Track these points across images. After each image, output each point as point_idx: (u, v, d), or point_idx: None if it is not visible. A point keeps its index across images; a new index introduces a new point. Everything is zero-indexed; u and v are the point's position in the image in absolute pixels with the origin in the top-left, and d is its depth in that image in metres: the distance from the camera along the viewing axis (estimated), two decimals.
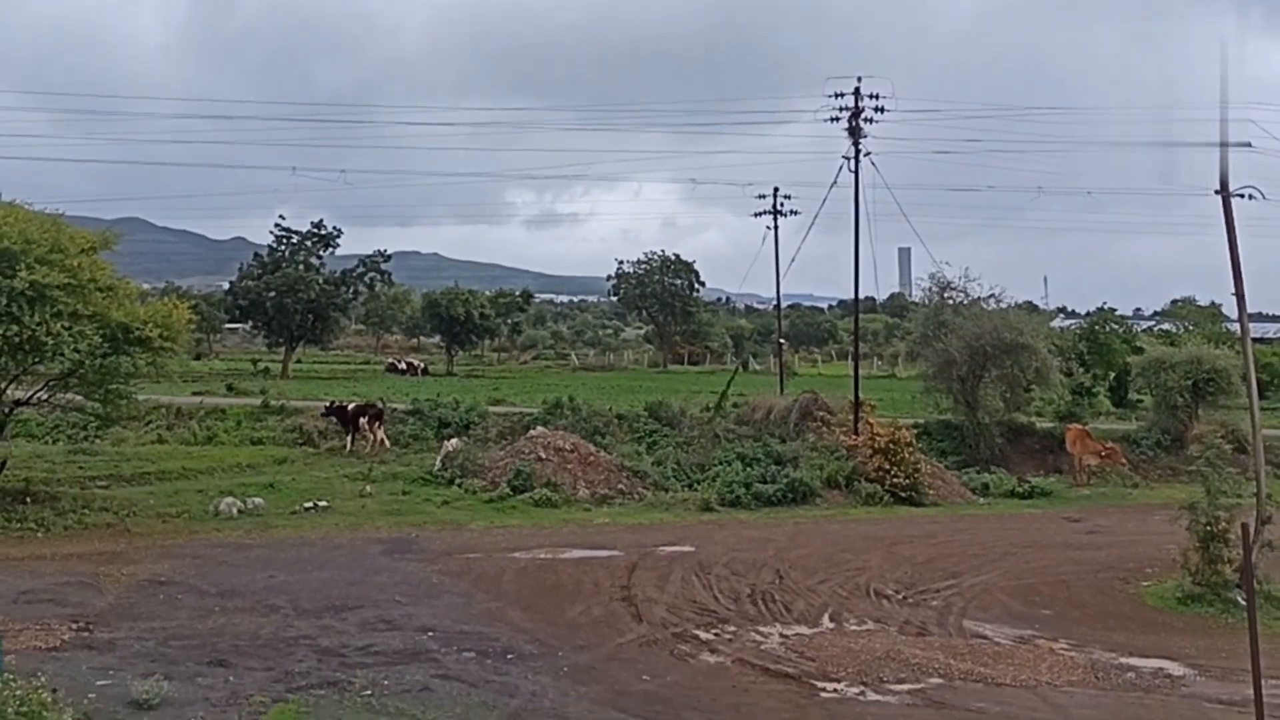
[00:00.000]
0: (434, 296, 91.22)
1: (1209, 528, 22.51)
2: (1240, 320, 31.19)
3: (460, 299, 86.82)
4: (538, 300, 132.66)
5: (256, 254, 74.19)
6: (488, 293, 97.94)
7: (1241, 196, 33.10)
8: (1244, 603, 20.50)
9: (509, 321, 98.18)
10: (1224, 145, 33.42)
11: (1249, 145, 32.21)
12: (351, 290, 77.62)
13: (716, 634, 19.47)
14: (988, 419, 41.22)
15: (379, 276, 78.67)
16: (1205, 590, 22.39)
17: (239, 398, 46.34)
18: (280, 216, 73.19)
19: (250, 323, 78.26)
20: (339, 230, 74.00)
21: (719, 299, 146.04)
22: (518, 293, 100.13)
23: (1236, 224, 30.24)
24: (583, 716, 15.17)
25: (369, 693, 15.71)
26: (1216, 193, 34.43)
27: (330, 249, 75.01)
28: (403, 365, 77.90)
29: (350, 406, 39.52)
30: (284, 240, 72.76)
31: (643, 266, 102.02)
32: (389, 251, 79.85)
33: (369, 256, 78.18)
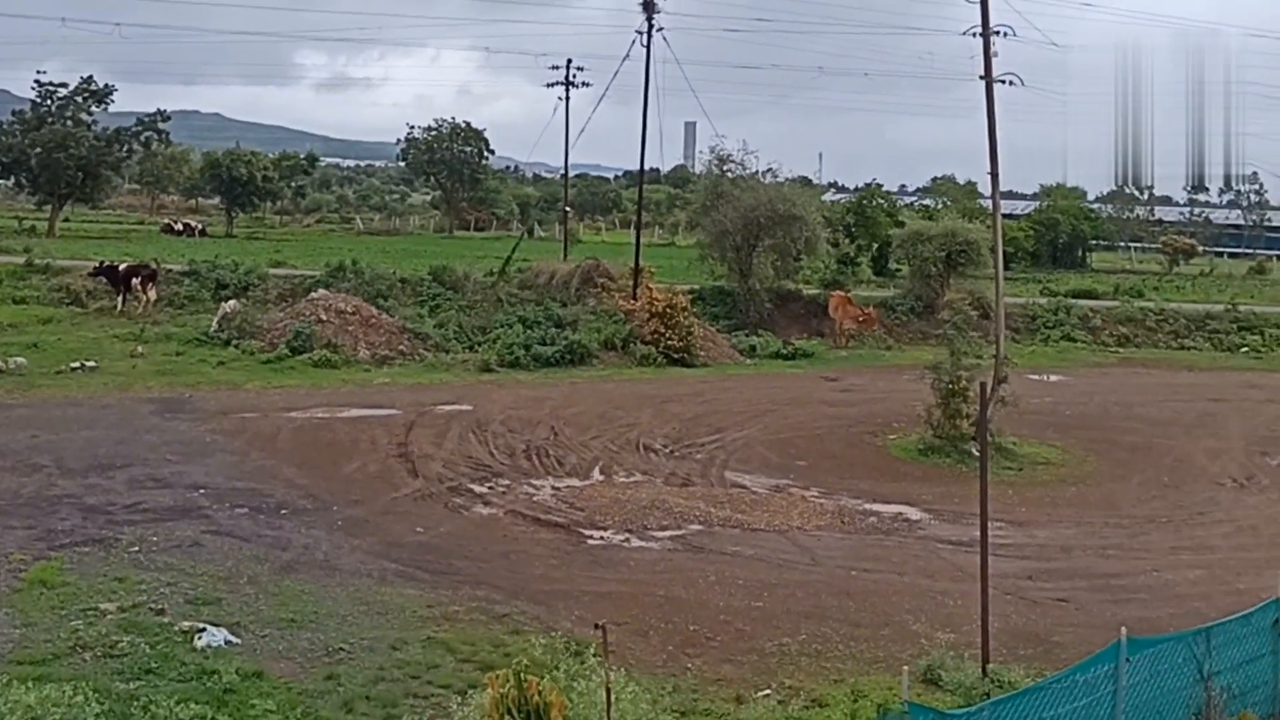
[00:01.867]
0: (215, 157, 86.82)
1: (950, 386, 23.89)
2: (993, 197, 32.82)
3: (242, 160, 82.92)
4: (324, 164, 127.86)
5: (14, 111, 68.69)
6: (271, 155, 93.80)
7: (1003, 82, 34.54)
8: (978, 454, 22.00)
9: (293, 185, 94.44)
10: (986, 33, 34.70)
11: (1011, 32, 33.49)
12: (126, 148, 73.02)
13: (490, 487, 19.69)
14: (759, 286, 42.21)
15: (156, 135, 74.22)
16: (944, 443, 23.85)
17: (0, 256, 43.29)
18: (39, 71, 67.87)
19: (13, 180, 72.84)
20: (111, 87, 69.21)
21: (508, 167, 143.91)
22: (303, 155, 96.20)
23: (997, 109, 31.60)
24: (354, 567, 15.16)
25: (136, 549, 15.29)
26: (980, 78, 35.79)
27: (103, 106, 70.15)
28: (179, 226, 74.22)
29: (121, 266, 37.50)
30: (49, 95, 67.64)
31: (432, 133, 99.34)
32: (168, 111, 75.33)
33: (147, 115, 73.54)
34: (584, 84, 54.34)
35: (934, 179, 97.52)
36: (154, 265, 38.53)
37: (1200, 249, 79.82)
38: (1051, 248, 75.68)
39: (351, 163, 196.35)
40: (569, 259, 46.55)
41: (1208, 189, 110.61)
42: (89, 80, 68.46)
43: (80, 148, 65.98)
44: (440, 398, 27.20)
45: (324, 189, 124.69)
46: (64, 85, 67.87)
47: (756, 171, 44.79)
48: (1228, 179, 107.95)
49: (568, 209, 66.16)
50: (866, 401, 29.55)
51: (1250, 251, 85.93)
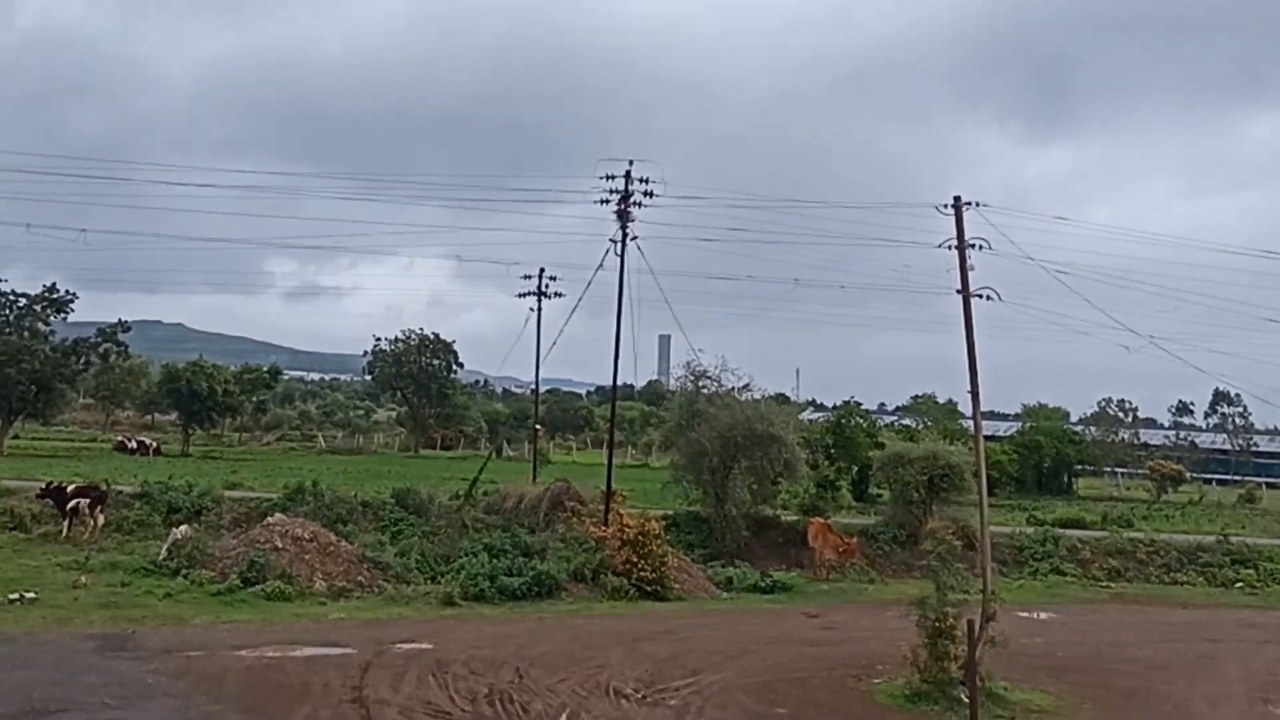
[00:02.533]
0: (174, 370, 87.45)
1: (937, 624, 23.50)
2: (974, 418, 33.22)
3: (203, 373, 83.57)
4: (287, 377, 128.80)
5: None
6: (233, 367, 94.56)
7: (980, 297, 35.51)
8: (968, 700, 21.56)
9: (254, 399, 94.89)
10: (961, 247, 35.86)
11: (987, 245, 34.58)
12: (83, 361, 73.60)
13: None
14: (735, 511, 42.13)
15: (115, 347, 74.99)
16: (932, 688, 23.28)
17: None
18: (1, 279, 68.90)
19: None
20: (73, 294, 70.27)
21: (477, 381, 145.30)
22: (265, 368, 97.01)
23: (976, 324, 32.44)
24: None
25: None
26: (958, 292, 36.80)
27: (62, 315, 71.08)
28: (133, 444, 74.06)
29: (69, 488, 37.16)
30: (8, 305, 68.51)
31: (400, 345, 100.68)
32: (129, 321, 76.33)
33: (107, 325, 74.43)
34: (557, 294, 55.59)
35: (914, 397, 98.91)
36: (103, 487, 38.22)
37: (1188, 475, 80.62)
38: (1036, 472, 76.34)
39: (317, 376, 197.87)
40: (539, 481, 46.53)
41: (1192, 411, 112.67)
42: (51, 288, 69.48)
43: (35, 361, 66.38)
44: (399, 635, 26.60)
45: (287, 404, 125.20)
46: (24, 295, 68.83)
47: (733, 388, 45.36)
48: (1213, 402, 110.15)
49: (538, 427, 66.55)
50: (850, 641, 29.09)
51: (1238, 478, 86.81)
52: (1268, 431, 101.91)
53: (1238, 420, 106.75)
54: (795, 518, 44.37)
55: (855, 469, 56.84)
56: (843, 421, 62.61)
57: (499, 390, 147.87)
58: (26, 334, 68.14)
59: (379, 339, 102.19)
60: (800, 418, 59.86)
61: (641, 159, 39.58)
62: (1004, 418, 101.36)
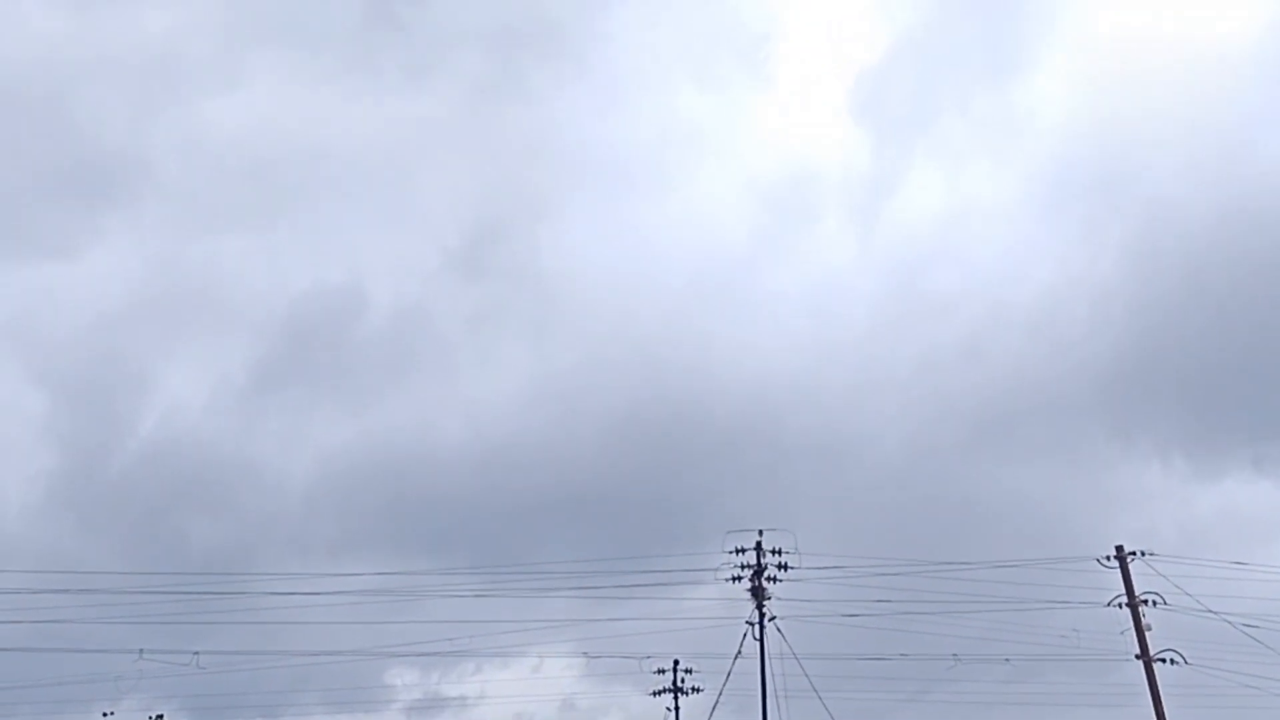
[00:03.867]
0: None
1: None
2: None
3: None
4: None
5: None
6: None
7: (1163, 661, 32.21)
8: None
9: None
10: (1134, 603, 32.72)
11: (1161, 600, 31.58)
12: None
13: None
14: None
15: None
16: None
17: None
18: (106, 715, 68.28)
19: None
20: None
21: None
22: None
23: (1162, 692, 28.95)
24: None
25: None
26: (1136, 657, 33.39)
27: None
28: None
29: None
30: None
31: None
32: None
33: None
34: (694, 689, 52.53)
35: None
36: None
37: None
38: None
39: None
40: None
41: None
42: None
43: None
44: None
45: None
46: None
47: None
48: None
49: None
50: None
51: None
52: None
53: None
54: None
55: None
56: None
57: None
58: None
59: None
60: None
61: (771, 528, 38.12)
62: None
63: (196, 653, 41.27)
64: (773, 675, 37.18)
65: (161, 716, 67.38)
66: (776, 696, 36.86)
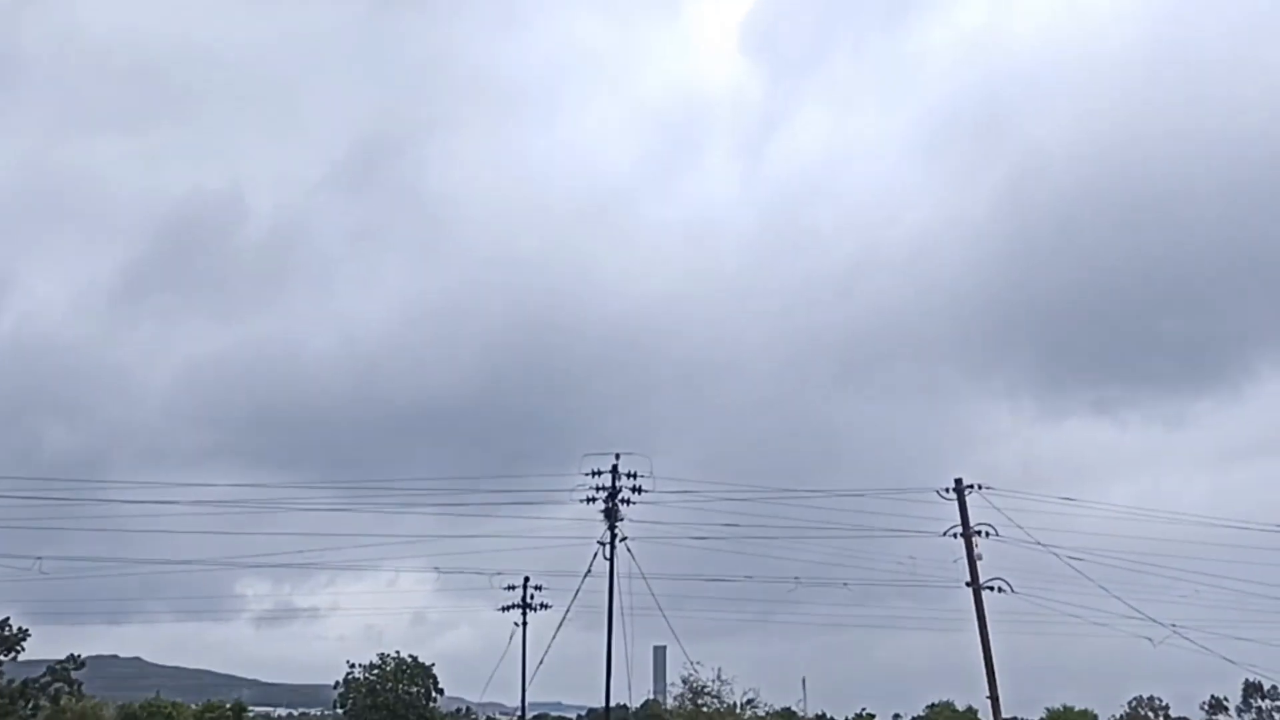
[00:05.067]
0: (130, 709, 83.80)
1: None
2: None
3: (161, 713, 80.00)
4: (253, 714, 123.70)
5: None
6: (194, 705, 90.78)
7: (991, 589, 34.30)
8: None
9: None
10: (968, 534, 34.96)
11: (993, 531, 33.71)
12: (31, 705, 70.49)
13: None
14: None
15: (66, 686, 71.99)
16: None
17: None
18: None
19: None
20: (25, 632, 68.06)
21: (459, 709, 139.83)
22: (229, 705, 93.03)
23: (990, 619, 31.06)
24: None
25: None
26: (967, 585, 35.63)
27: (13, 654, 68.60)
28: None
29: None
30: None
31: (375, 671, 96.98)
32: (82, 656, 73.73)
33: (58, 663, 71.75)
34: (543, 605, 53.70)
35: (930, 706, 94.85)
36: None
37: None
38: None
39: (285, 711, 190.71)
40: None
41: (1226, 708, 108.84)
42: (4, 624, 67.43)
43: None
44: None
45: None
46: None
47: (735, 704, 43.24)
48: (1245, 695, 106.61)
49: None
50: None
51: None
52: None
53: (1275, 716, 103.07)
54: None
55: None
56: None
57: (482, 718, 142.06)
58: None
59: (353, 666, 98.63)
60: None
61: (629, 452, 38.92)
62: None
63: (40, 558, 40.70)
64: (620, 593, 38.28)
65: (6, 620, 66.12)
66: (623, 614, 37.98)
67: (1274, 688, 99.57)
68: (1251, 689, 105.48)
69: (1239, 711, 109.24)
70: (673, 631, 40.24)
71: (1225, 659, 49.09)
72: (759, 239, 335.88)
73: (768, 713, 44.87)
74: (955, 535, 35.24)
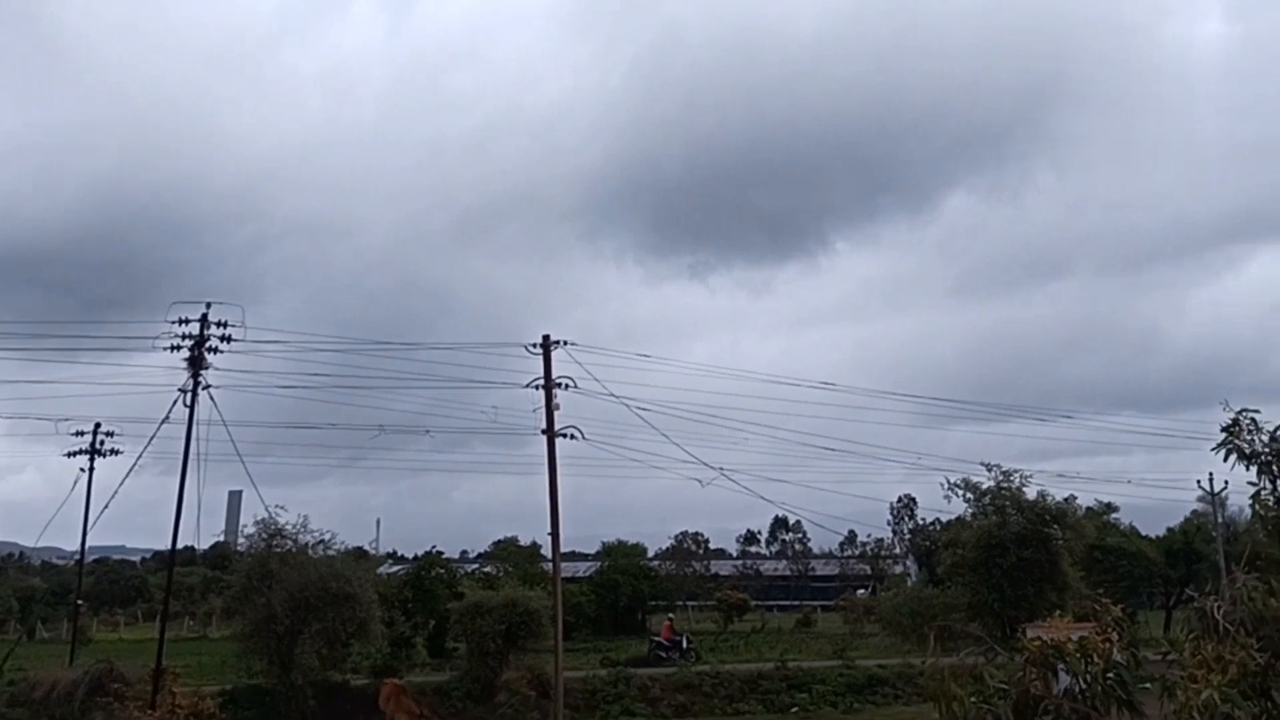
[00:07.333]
0: None
1: None
2: (554, 560, 34.21)
3: None
4: None
5: None
6: None
7: (565, 436, 37.14)
8: None
9: None
10: (549, 385, 37.59)
11: (572, 383, 36.57)
12: None
13: None
14: (302, 680, 40.61)
15: None
16: None
17: None
18: None
19: None
20: None
21: (10, 554, 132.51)
22: None
23: (562, 463, 33.78)
24: None
25: None
26: (543, 432, 38.33)
27: None
28: None
29: None
30: None
31: None
32: None
33: None
34: (113, 451, 52.24)
35: (496, 543, 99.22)
36: None
37: (752, 603, 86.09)
38: (613, 611, 78.76)
39: None
40: (77, 663, 43.10)
41: (758, 540, 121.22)
42: None
43: None
44: None
45: None
46: None
47: (308, 544, 43.63)
48: (773, 529, 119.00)
49: (80, 602, 61.62)
50: None
51: (798, 603, 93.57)
52: (823, 556, 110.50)
53: (797, 546, 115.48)
54: (367, 681, 43.27)
55: (433, 623, 56.30)
56: (422, 573, 61.92)
57: (36, 564, 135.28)
58: None
59: None
60: (379, 572, 58.76)
61: (221, 301, 38.41)
62: (585, 558, 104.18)
63: None
64: (197, 440, 37.78)
65: None
66: (199, 459, 37.61)
67: (798, 522, 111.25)
68: (779, 524, 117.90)
69: (766, 543, 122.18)
70: (249, 476, 40.47)
71: (762, 498, 54.97)
72: (398, 95, 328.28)
73: (339, 552, 45.73)
74: (538, 387, 37.89)
